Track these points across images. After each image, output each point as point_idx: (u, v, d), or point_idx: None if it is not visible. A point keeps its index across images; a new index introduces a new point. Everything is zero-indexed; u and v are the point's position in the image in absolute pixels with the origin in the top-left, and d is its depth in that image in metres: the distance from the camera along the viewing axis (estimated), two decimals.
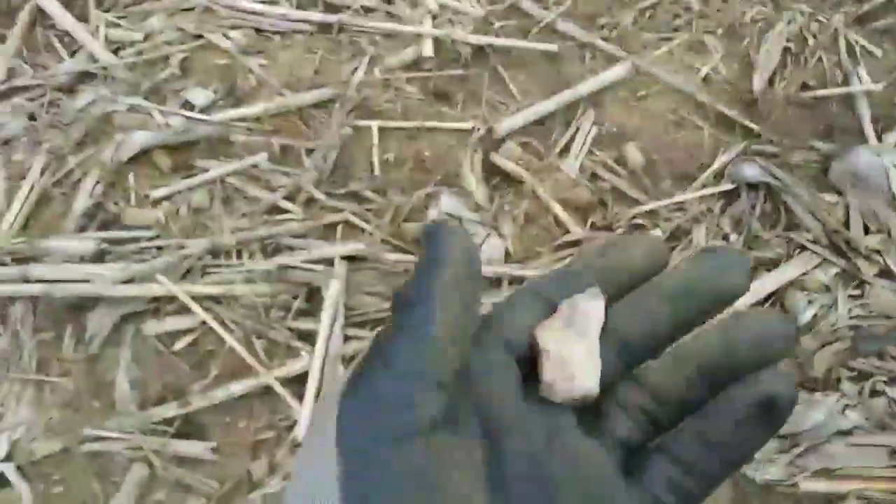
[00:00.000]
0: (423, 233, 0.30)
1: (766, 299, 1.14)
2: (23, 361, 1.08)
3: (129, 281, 1.09)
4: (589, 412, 0.31)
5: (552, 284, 0.32)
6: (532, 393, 0.31)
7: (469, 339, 0.29)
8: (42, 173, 1.19)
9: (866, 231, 1.18)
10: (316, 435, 0.27)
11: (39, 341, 1.09)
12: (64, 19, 1.29)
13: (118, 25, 1.31)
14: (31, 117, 1.24)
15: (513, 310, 0.32)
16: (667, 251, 0.33)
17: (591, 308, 0.31)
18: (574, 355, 0.30)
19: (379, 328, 0.30)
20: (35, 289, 1.08)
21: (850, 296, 1.13)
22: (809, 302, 1.13)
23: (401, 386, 0.26)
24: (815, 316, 1.11)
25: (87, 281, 1.08)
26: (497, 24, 1.32)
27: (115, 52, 1.29)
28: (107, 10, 1.32)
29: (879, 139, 1.28)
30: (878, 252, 1.16)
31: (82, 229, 1.15)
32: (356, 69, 1.27)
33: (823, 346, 1.09)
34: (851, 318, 1.11)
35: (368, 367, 0.27)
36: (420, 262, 0.29)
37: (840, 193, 1.22)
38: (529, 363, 0.31)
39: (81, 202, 1.16)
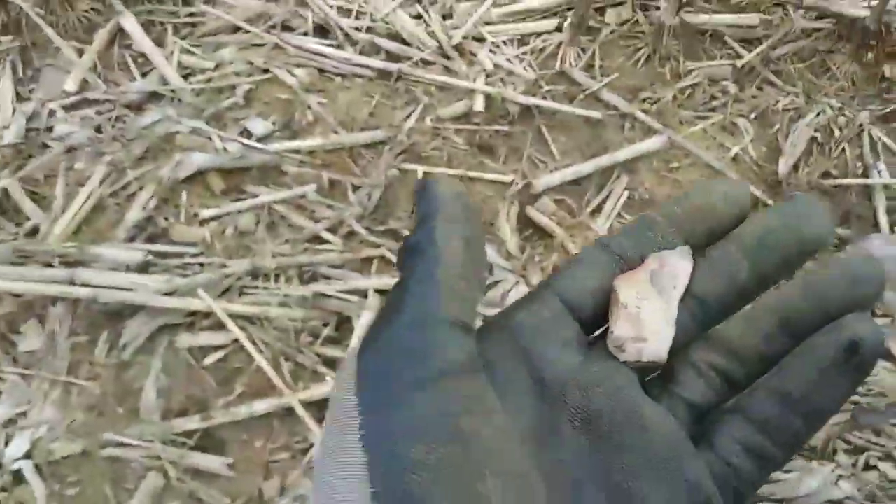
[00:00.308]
0: (415, 190, 0.27)
1: None
2: (55, 362, 0.98)
3: (171, 293, 0.99)
4: (654, 371, 0.26)
5: (625, 238, 0.27)
6: (593, 350, 0.26)
7: (481, 276, 0.25)
8: (100, 183, 1.11)
9: (873, 314, 1.11)
10: (338, 391, 0.23)
11: (74, 344, 1.00)
12: (142, 42, 1.23)
13: (192, 53, 1.24)
14: (98, 129, 1.17)
15: (579, 265, 0.26)
16: (749, 196, 0.27)
17: (679, 268, 0.26)
18: (651, 316, 0.25)
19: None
20: (80, 292, 0.99)
21: None
22: None
23: (416, 330, 0.22)
24: None
25: (130, 289, 0.99)
26: (545, 88, 1.24)
27: (186, 77, 1.22)
28: (183, 38, 1.26)
29: (892, 230, 1.22)
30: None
31: (131, 240, 1.07)
32: (409, 116, 1.20)
33: None
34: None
35: (383, 318, 0.24)
36: (416, 215, 0.26)
37: None
38: (591, 322, 0.26)
39: (134, 214, 1.08)
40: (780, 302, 0.26)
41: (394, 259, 1.07)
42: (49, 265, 1.03)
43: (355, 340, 0.99)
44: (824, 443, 1.01)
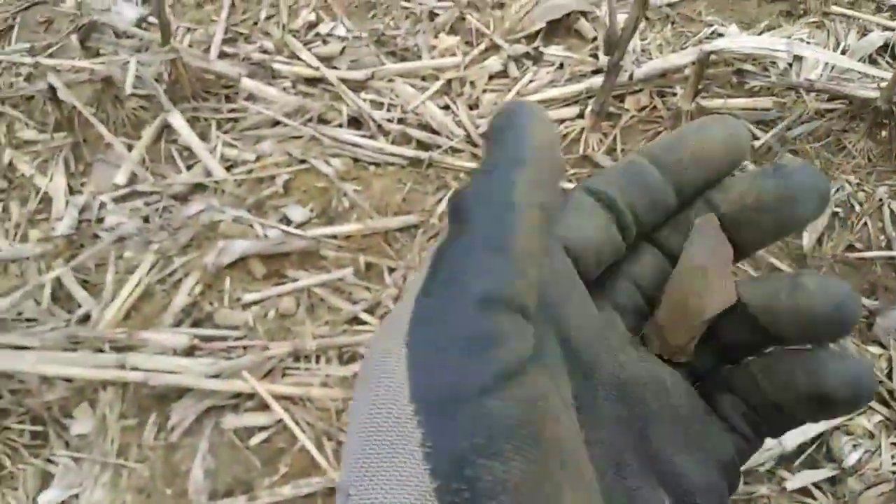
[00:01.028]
0: (496, 117, 0.21)
1: (812, 441, 1.06)
2: (105, 445, 1.01)
3: (216, 376, 1.03)
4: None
5: (611, 186, 0.24)
6: (604, 309, 0.24)
7: (545, 256, 0.21)
8: (149, 271, 1.17)
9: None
10: (381, 378, 0.18)
11: (124, 426, 1.03)
12: (188, 136, 1.31)
13: (234, 146, 1.32)
14: (146, 220, 1.23)
15: (570, 212, 0.24)
16: (748, 136, 0.25)
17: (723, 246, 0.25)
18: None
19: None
20: (130, 376, 1.03)
21: (893, 443, 1.07)
22: (854, 446, 1.07)
23: (483, 314, 0.18)
24: (859, 460, 1.05)
25: (177, 372, 1.03)
26: (570, 172, 1.31)
27: (228, 168, 1.29)
28: (226, 132, 1.34)
29: None
30: None
31: (178, 325, 1.12)
32: (440, 200, 1.26)
33: (868, 488, 1.02)
34: (894, 463, 1.05)
35: (434, 287, 0.19)
36: (490, 153, 0.21)
37: (884, 347, 1.18)
38: (592, 277, 0.24)
39: (180, 300, 1.13)
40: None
41: None
42: (100, 350, 1.07)
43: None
44: None
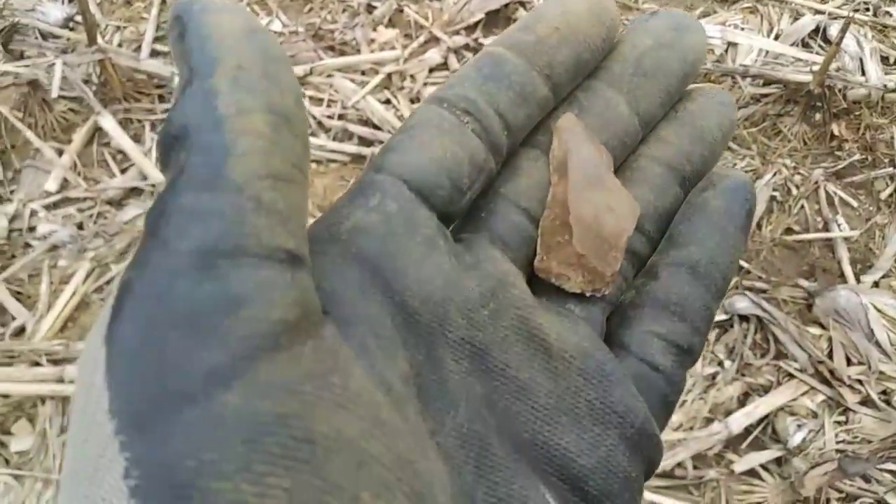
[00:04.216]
0: (170, 23, 0.16)
1: (758, 423, 1.12)
2: (47, 461, 1.00)
3: None
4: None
5: (468, 86, 0.20)
6: (464, 247, 0.19)
7: (303, 167, 0.16)
8: (85, 280, 1.16)
9: (848, 362, 1.19)
10: (80, 389, 0.14)
11: (65, 441, 1.02)
12: (121, 139, 1.30)
13: None
14: (80, 227, 1.22)
15: (414, 133, 0.19)
16: (615, 7, 0.22)
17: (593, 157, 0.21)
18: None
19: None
20: (69, 389, 1.02)
21: (836, 421, 1.13)
22: (798, 426, 1.12)
23: (202, 281, 0.13)
24: (804, 440, 1.10)
25: None
26: None
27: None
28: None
29: (858, 280, 1.29)
30: (860, 382, 1.16)
31: None
32: None
33: (813, 467, 1.06)
34: (838, 442, 1.11)
35: (140, 262, 0.14)
36: (181, 71, 0.16)
37: (824, 327, 1.23)
38: (449, 205, 0.19)
39: None
40: (662, 147, 0.23)
41: None
42: (37, 364, 1.07)
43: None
44: (817, 493, 1.05)
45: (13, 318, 1.12)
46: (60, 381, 1.04)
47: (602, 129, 0.22)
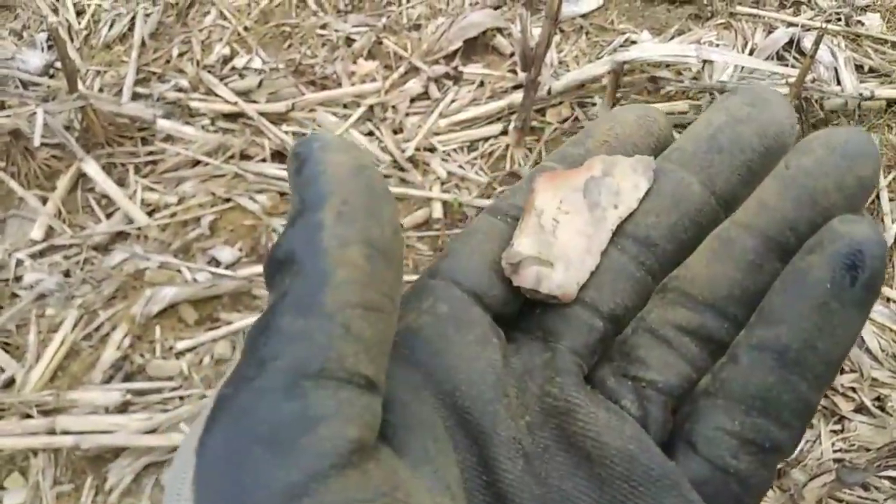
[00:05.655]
0: (290, 160, 0.18)
1: None
2: None
3: (153, 431, 1.03)
4: (592, 353, 0.19)
5: (519, 198, 0.21)
6: (515, 346, 0.19)
7: (395, 299, 0.17)
8: (73, 327, 1.15)
9: (841, 371, 1.18)
10: None
11: (59, 493, 1.01)
12: (105, 184, 1.30)
13: (154, 190, 1.32)
14: (67, 274, 1.22)
15: (469, 239, 0.20)
16: (664, 116, 0.22)
17: (627, 182, 0.20)
18: (569, 236, 0.19)
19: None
20: (62, 441, 1.01)
21: (832, 430, 1.12)
22: None
23: (289, 399, 0.14)
24: (801, 450, 1.09)
25: (111, 431, 1.02)
26: (499, 189, 1.33)
27: (150, 213, 1.28)
28: (145, 176, 1.33)
29: None
30: (853, 389, 1.17)
31: (108, 381, 1.10)
32: None
33: (812, 478, 1.06)
34: (835, 451, 1.10)
35: (236, 380, 0.15)
36: (293, 203, 0.17)
37: None
38: (503, 306, 0.19)
39: (109, 355, 1.12)
40: (757, 213, 0.19)
41: None
42: (27, 416, 1.06)
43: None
44: (817, 503, 1.04)
45: (2, 370, 1.12)
46: (52, 432, 1.03)
47: (671, 209, 0.20)
